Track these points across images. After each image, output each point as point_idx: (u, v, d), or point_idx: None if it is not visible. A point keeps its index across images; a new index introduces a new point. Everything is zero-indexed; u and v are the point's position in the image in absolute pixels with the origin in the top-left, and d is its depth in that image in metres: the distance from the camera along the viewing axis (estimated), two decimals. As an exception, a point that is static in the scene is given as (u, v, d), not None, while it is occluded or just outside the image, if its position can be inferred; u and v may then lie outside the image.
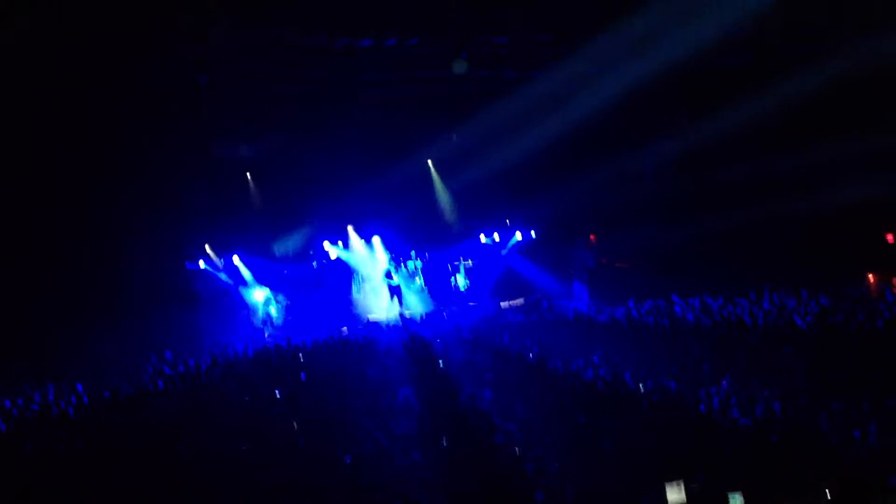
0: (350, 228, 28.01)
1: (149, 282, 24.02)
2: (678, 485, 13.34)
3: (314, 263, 28.20)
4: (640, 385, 17.23)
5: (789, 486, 13.12)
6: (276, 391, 18.53)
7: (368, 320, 26.58)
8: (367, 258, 28.13)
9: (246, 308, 27.19)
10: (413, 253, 28.42)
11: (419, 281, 28.34)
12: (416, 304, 27.63)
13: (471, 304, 27.59)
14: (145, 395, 18.79)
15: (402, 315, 25.93)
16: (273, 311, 27.21)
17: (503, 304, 27.21)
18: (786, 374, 16.89)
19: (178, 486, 14.17)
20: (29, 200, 21.89)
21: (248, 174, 27.42)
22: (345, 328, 25.03)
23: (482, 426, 15.90)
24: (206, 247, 26.78)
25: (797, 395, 15.77)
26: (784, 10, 21.98)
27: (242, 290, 27.19)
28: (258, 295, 27.17)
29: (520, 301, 27.34)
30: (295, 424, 16.65)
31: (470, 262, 28.87)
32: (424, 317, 26.04)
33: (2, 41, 18.69)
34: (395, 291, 27.49)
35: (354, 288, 28.26)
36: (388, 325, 25.05)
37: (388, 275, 27.61)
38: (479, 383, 18.37)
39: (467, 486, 13.71)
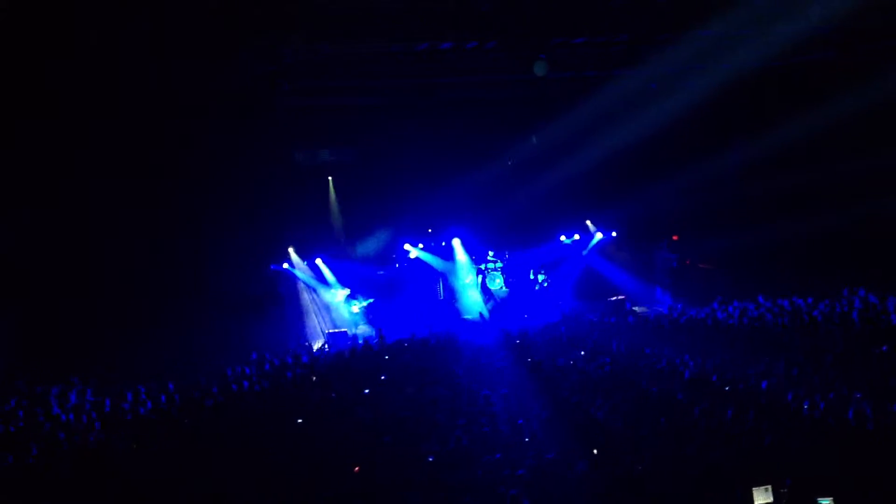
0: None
1: (235, 284, 24.53)
2: (766, 489, 13.07)
3: (396, 265, 28.58)
4: (726, 388, 16.97)
5: (882, 492, 12.72)
6: (364, 390, 18.74)
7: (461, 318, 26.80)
8: (451, 260, 28.33)
9: (327, 309, 27.62)
10: (491, 254, 28.54)
11: (499, 282, 28.43)
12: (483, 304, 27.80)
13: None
14: (232, 395, 19.07)
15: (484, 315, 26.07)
16: (355, 311, 27.58)
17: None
18: (878, 376, 16.43)
19: (265, 484, 14.32)
20: (126, 208, 22.61)
21: (329, 179, 27.90)
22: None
23: (564, 427, 15.80)
24: (290, 250, 27.26)
25: (890, 398, 15.28)
26: (871, 6, 21.56)
27: (324, 290, 27.61)
28: (340, 296, 27.56)
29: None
30: (377, 422, 16.76)
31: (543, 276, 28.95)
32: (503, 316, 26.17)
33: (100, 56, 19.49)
34: (485, 292, 27.67)
35: (441, 289, 28.54)
36: (473, 324, 25.16)
37: (479, 274, 27.86)
38: (563, 385, 18.31)
39: (553, 485, 13.63)
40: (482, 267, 28.44)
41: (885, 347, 17.59)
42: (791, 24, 22.14)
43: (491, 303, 27.86)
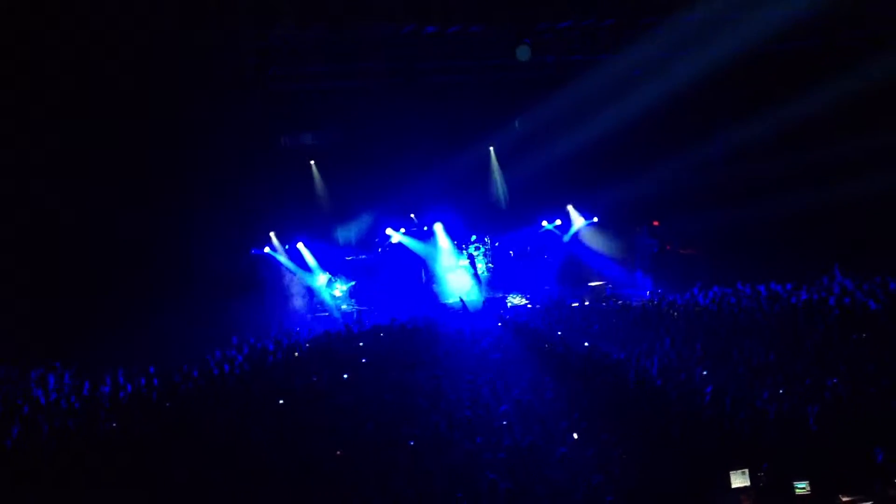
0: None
1: (216, 268, 24.47)
2: (743, 473, 13.23)
3: (378, 249, 28.60)
4: (704, 373, 17.06)
5: (857, 474, 12.88)
6: (344, 374, 18.74)
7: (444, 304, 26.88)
8: (433, 245, 28.36)
9: (310, 293, 27.63)
10: (473, 238, 28.60)
11: (482, 267, 28.53)
12: (475, 290, 27.83)
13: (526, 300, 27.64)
14: (213, 379, 19.05)
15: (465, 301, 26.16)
16: (338, 294, 27.62)
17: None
18: (856, 362, 16.56)
19: (246, 468, 14.34)
20: (104, 195, 22.49)
21: (312, 163, 27.87)
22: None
23: (542, 414, 15.86)
24: (271, 235, 27.25)
25: (865, 382, 15.43)
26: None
27: (304, 275, 27.62)
28: (321, 280, 27.58)
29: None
30: (358, 407, 16.78)
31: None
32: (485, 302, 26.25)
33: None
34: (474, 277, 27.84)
35: (423, 274, 28.57)
36: (454, 309, 25.21)
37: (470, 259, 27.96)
38: (544, 369, 18.36)
39: (530, 470, 13.69)
40: (470, 251, 28.48)
41: (864, 334, 17.80)
42: (776, 11, 22.23)
43: (477, 288, 27.91)
